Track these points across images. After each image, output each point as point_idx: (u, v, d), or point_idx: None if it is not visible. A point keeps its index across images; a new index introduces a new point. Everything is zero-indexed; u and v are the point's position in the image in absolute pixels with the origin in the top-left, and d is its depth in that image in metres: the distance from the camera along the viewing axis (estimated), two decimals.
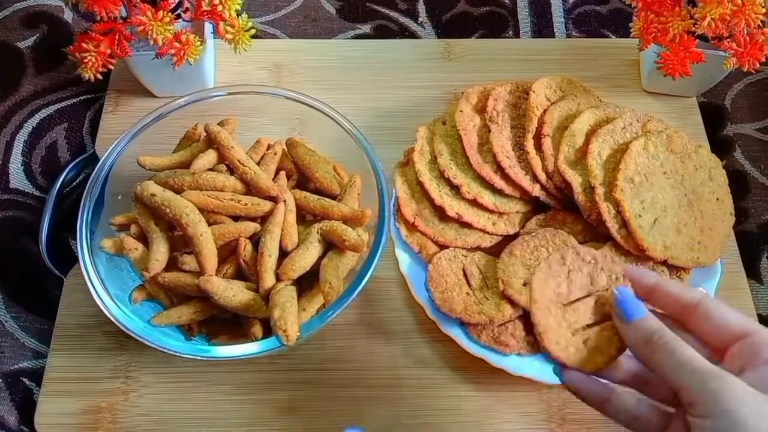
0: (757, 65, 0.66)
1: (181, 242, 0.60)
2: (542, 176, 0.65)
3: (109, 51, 0.64)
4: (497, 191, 0.65)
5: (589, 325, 0.45)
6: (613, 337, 0.44)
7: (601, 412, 0.44)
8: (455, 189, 0.66)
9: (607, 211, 0.62)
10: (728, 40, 0.66)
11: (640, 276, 0.44)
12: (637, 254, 0.62)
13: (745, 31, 0.65)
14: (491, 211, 0.65)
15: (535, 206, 0.67)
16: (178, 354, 0.55)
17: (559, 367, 0.44)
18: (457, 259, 0.64)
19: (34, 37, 0.83)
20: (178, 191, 0.59)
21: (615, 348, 0.44)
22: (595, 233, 0.65)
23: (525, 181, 0.65)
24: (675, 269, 0.63)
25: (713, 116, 0.80)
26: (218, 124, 0.64)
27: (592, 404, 0.44)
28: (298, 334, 0.54)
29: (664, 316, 0.44)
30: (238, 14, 0.66)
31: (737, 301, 0.67)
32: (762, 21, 0.64)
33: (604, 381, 0.45)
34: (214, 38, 0.72)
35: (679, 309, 0.43)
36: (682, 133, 0.67)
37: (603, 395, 0.44)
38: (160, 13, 0.63)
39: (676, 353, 0.39)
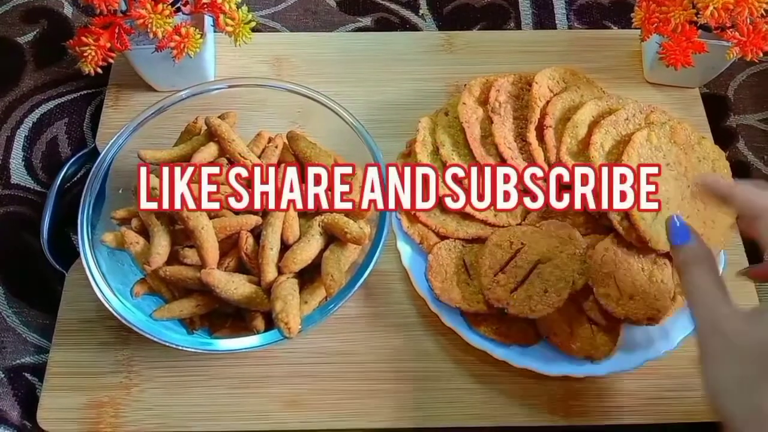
0: (761, 55, 0.66)
1: (182, 236, 0.59)
2: (545, 167, 0.65)
3: (109, 45, 0.64)
4: None
5: None
6: None
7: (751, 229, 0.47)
8: None
9: None
10: (731, 29, 0.66)
11: (716, 185, 0.50)
12: (639, 246, 0.61)
13: (749, 21, 0.64)
14: None
15: None
16: (180, 348, 0.55)
17: None
18: (456, 249, 0.64)
19: (34, 33, 0.83)
20: None
21: None
22: (597, 225, 0.64)
23: None
24: None
25: (716, 107, 0.79)
26: (219, 117, 0.64)
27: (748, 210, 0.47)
28: (300, 326, 0.53)
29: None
30: (238, 7, 0.66)
31: (741, 293, 0.67)
32: (765, 10, 0.64)
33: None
34: (214, 31, 0.72)
35: (747, 216, 0.47)
36: (686, 124, 0.66)
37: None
38: (160, 6, 0.63)
39: (694, 279, 0.46)
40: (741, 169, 0.75)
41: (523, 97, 0.69)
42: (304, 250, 0.58)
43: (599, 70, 0.78)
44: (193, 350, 0.55)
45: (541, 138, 0.66)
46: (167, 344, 0.55)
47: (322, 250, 0.59)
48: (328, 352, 0.64)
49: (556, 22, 0.86)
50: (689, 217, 0.62)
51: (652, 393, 0.62)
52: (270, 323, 0.56)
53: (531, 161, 0.66)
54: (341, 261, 0.58)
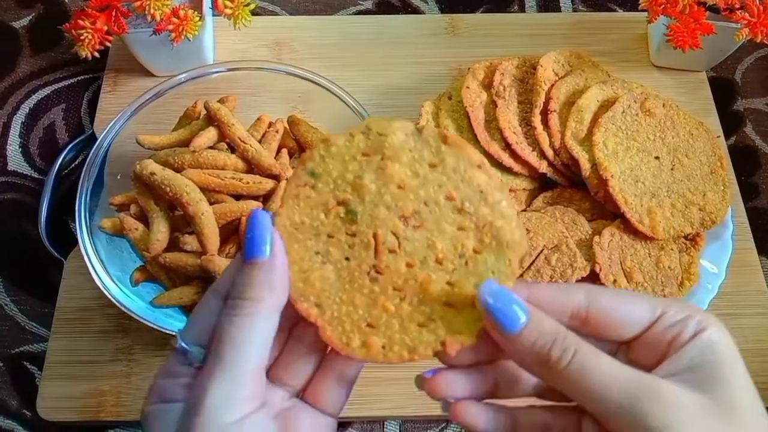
0: None
1: (182, 222, 0.59)
2: (549, 152, 0.64)
3: (105, 28, 0.63)
4: (504, 168, 0.64)
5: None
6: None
7: None
8: None
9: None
10: (740, 10, 0.65)
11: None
12: (645, 230, 0.61)
13: (758, 1, 0.63)
14: None
15: (542, 183, 0.66)
16: None
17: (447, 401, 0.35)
18: None
19: (30, 17, 0.82)
20: (178, 170, 0.58)
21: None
22: (603, 211, 0.63)
23: (532, 158, 0.64)
24: (690, 241, 0.63)
25: (723, 91, 0.78)
26: (218, 101, 0.63)
27: None
28: None
29: None
30: None
31: (749, 278, 0.66)
32: None
33: (501, 404, 0.37)
34: (213, 15, 0.71)
35: (565, 316, 0.33)
36: (682, 110, 0.66)
37: (507, 426, 0.36)
38: None
39: (590, 373, 0.30)
40: (748, 154, 0.74)
41: (528, 80, 0.68)
42: None
43: (604, 54, 0.77)
44: None
45: (545, 122, 0.65)
46: (168, 332, 0.54)
47: None
48: None
49: (561, 4, 0.85)
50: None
51: None
52: None
53: (535, 146, 0.65)
54: None
